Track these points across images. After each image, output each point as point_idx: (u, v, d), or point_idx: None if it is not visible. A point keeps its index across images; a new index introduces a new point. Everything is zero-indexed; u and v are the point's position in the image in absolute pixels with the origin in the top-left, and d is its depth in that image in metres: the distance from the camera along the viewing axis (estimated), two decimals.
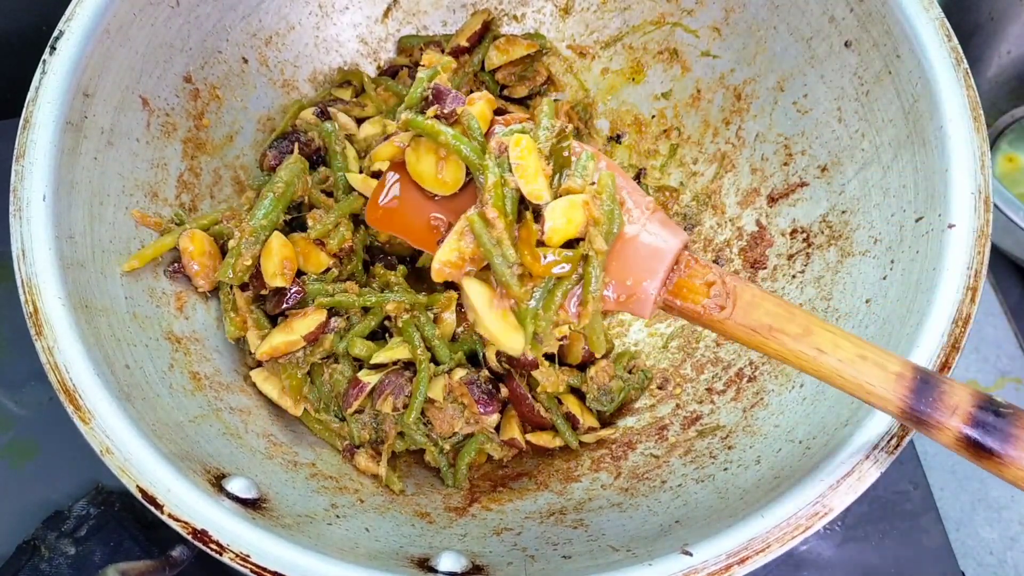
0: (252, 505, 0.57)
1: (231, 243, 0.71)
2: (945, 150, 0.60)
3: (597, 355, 0.79)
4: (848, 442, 0.55)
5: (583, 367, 0.80)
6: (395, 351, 0.73)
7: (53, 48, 0.63)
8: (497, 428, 0.76)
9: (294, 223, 0.77)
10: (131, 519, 0.76)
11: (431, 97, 0.56)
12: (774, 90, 0.79)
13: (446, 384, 0.72)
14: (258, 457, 0.65)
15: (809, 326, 0.50)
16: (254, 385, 0.74)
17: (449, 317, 0.75)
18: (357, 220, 0.79)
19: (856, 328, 0.65)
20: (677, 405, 0.77)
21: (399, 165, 0.59)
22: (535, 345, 0.53)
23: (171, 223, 0.73)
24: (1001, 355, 1.01)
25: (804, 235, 0.76)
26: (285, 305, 0.73)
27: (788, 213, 0.78)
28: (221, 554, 0.51)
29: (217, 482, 0.57)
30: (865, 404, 0.51)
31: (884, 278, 0.64)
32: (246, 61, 0.82)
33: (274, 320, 0.75)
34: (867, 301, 0.65)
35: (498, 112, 0.59)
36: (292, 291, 0.72)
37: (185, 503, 0.53)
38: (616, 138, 0.92)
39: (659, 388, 0.80)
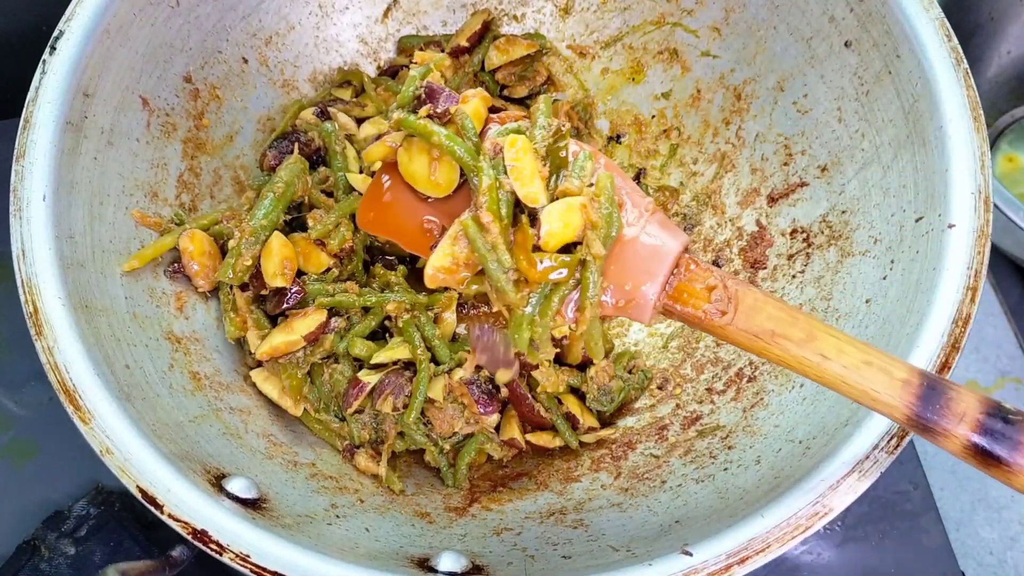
0: (252, 505, 0.57)
1: (231, 243, 0.71)
2: (945, 150, 0.60)
3: (596, 361, 0.78)
4: (848, 442, 0.55)
5: (583, 367, 0.80)
6: (395, 351, 0.73)
7: (53, 48, 0.63)
8: (497, 428, 0.76)
9: (294, 223, 0.77)
10: (131, 519, 0.76)
11: (424, 96, 0.54)
12: (774, 90, 0.79)
13: (446, 384, 0.72)
14: (258, 457, 0.65)
15: (812, 331, 0.48)
16: (254, 385, 0.74)
17: (449, 317, 0.75)
18: None
19: (856, 328, 0.65)
20: (677, 405, 0.77)
21: (391, 166, 0.58)
22: (532, 352, 0.52)
23: (171, 223, 0.73)
24: (1001, 355, 1.01)
25: (804, 235, 0.76)
26: (285, 305, 0.73)
27: (788, 213, 0.78)
28: (221, 554, 0.51)
29: (217, 482, 0.57)
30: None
31: (884, 278, 0.64)
32: (246, 61, 0.82)
33: (274, 320, 0.75)
34: (867, 301, 0.65)
35: (493, 110, 0.58)
36: (292, 291, 0.72)
37: (185, 503, 0.53)
38: (616, 138, 0.92)
39: (659, 388, 0.80)
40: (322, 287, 0.74)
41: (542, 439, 0.77)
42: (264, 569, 0.51)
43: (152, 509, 0.53)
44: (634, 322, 0.86)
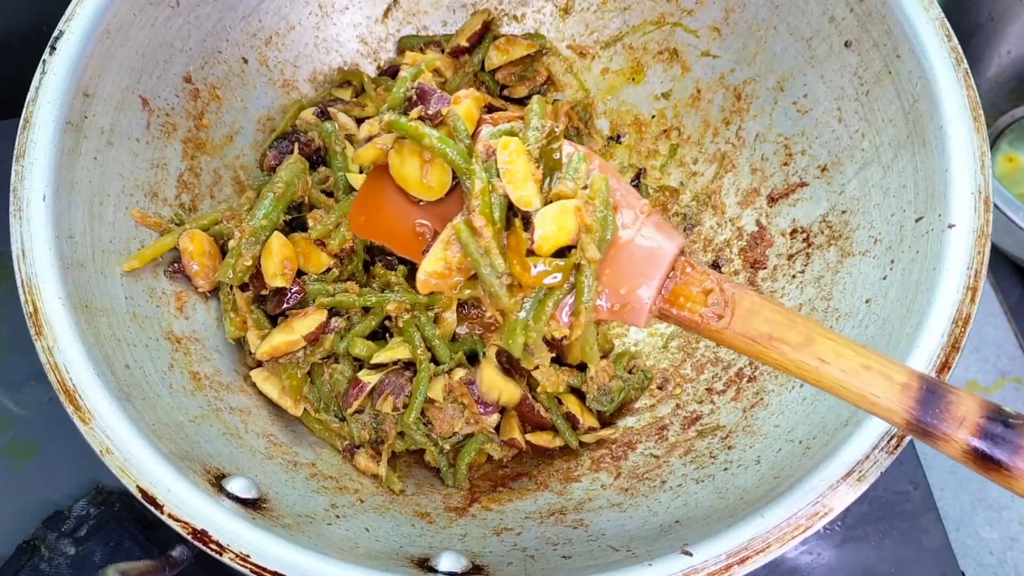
0: (252, 505, 0.57)
1: (231, 243, 0.71)
2: (945, 150, 0.60)
3: (591, 365, 0.77)
4: (848, 442, 0.55)
5: (583, 367, 0.80)
6: (395, 351, 0.73)
7: (53, 48, 0.63)
8: (497, 428, 0.76)
9: (294, 223, 0.77)
10: (131, 519, 0.76)
11: (415, 97, 0.54)
12: (774, 90, 0.79)
13: (446, 384, 0.72)
14: (258, 457, 0.65)
15: (810, 335, 0.48)
16: (254, 385, 0.74)
17: (449, 317, 0.75)
18: None
19: (856, 328, 0.65)
20: (677, 405, 0.77)
21: (382, 168, 0.56)
22: (526, 357, 0.51)
23: (171, 223, 0.73)
24: (1001, 355, 1.01)
25: (804, 235, 0.76)
26: (286, 305, 0.73)
27: (788, 213, 0.78)
28: (221, 554, 0.51)
29: (217, 482, 0.57)
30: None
31: (884, 278, 0.64)
32: (246, 61, 0.82)
33: (274, 320, 0.75)
34: (867, 301, 0.65)
35: (492, 109, 0.57)
36: (292, 291, 0.72)
37: (185, 503, 0.53)
38: (616, 138, 0.92)
39: (659, 388, 0.80)
40: (322, 287, 0.74)
41: (542, 439, 0.77)
42: (264, 569, 0.51)
43: (152, 509, 0.53)
44: None
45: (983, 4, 1.08)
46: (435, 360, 0.74)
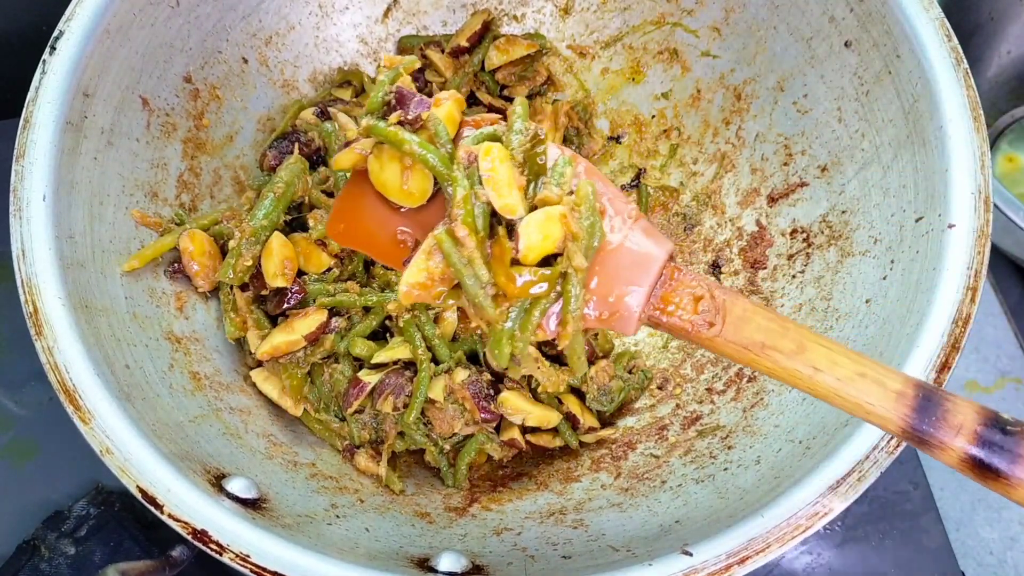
0: (252, 505, 0.57)
1: (231, 243, 0.71)
2: (945, 150, 0.60)
3: (577, 375, 0.75)
4: (848, 442, 0.55)
5: None
6: (396, 351, 0.73)
7: (53, 48, 0.63)
8: (497, 428, 0.76)
9: (294, 223, 0.77)
10: (131, 519, 0.76)
11: (394, 101, 0.52)
12: (774, 90, 0.79)
13: (446, 384, 0.72)
14: (258, 457, 0.65)
15: (804, 342, 0.47)
16: (254, 385, 0.74)
17: (450, 316, 0.75)
18: None
19: (856, 328, 0.65)
20: (677, 405, 0.77)
21: (361, 174, 0.54)
22: (513, 367, 0.50)
23: (171, 223, 0.73)
24: (1001, 355, 1.01)
25: (804, 235, 0.76)
26: (286, 305, 0.73)
27: (788, 213, 0.78)
28: (221, 554, 0.51)
29: (217, 482, 0.57)
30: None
31: (884, 278, 0.64)
32: (246, 61, 0.82)
33: (274, 320, 0.75)
34: (867, 301, 0.65)
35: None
36: (293, 291, 0.72)
37: (185, 503, 0.53)
38: (616, 138, 0.92)
39: (659, 388, 0.80)
40: (323, 287, 0.74)
41: (542, 439, 0.77)
42: (264, 569, 0.51)
43: (152, 509, 0.53)
44: None
45: (983, 4, 1.08)
46: (435, 360, 0.74)
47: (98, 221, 0.66)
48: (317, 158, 0.82)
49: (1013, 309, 1.04)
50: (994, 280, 1.05)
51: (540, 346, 0.75)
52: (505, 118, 0.92)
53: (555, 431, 0.77)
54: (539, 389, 0.75)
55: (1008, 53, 1.10)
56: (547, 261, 0.48)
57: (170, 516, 0.52)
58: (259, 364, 0.74)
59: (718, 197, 0.85)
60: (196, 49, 0.76)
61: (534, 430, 0.77)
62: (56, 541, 0.74)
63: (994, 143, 1.07)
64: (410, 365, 0.74)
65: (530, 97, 0.91)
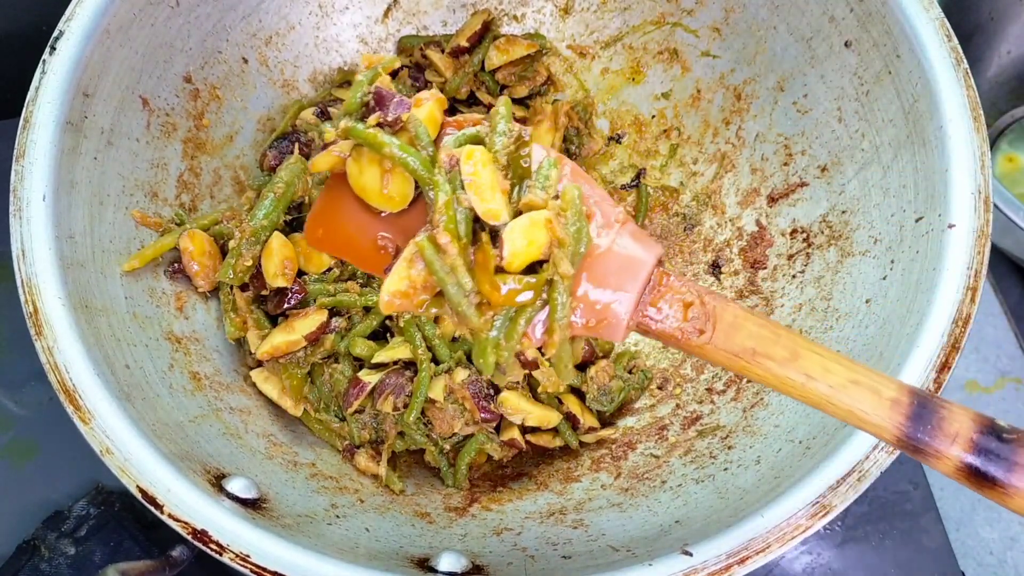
0: (252, 505, 0.57)
1: (231, 243, 0.71)
2: (945, 150, 0.60)
3: (563, 384, 0.74)
4: (848, 442, 0.55)
5: (583, 367, 0.80)
6: (396, 351, 0.73)
7: (53, 48, 0.63)
8: (497, 428, 0.76)
9: (295, 223, 0.77)
10: (131, 519, 0.76)
11: (372, 102, 0.50)
12: (774, 90, 0.79)
13: (446, 384, 0.72)
14: (258, 457, 0.65)
15: (796, 349, 0.46)
16: (254, 385, 0.74)
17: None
18: None
19: (856, 328, 0.65)
20: (677, 405, 0.77)
21: (340, 177, 0.52)
22: (498, 376, 0.49)
23: (171, 223, 0.73)
24: (1001, 355, 1.01)
25: (804, 235, 0.76)
26: (286, 305, 0.73)
27: (788, 213, 0.78)
28: (221, 554, 0.51)
29: (217, 482, 0.57)
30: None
31: (884, 278, 0.64)
32: (246, 61, 0.82)
33: (274, 320, 0.75)
34: (867, 301, 0.65)
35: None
36: (293, 291, 0.72)
37: (185, 503, 0.53)
38: (616, 138, 0.92)
39: (659, 388, 0.80)
40: (323, 287, 0.74)
41: (542, 439, 0.77)
42: (264, 569, 0.51)
43: (152, 509, 0.53)
44: None
45: (983, 4, 1.08)
46: (436, 360, 0.74)
47: (98, 221, 0.66)
48: None
49: (1013, 309, 1.04)
50: (994, 280, 1.05)
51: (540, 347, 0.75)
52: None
53: (555, 431, 0.77)
54: (539, 389, 0.75)
55: (1008, 53, 1.10)
56: (532, 267, 0.46)
57: (170, 516, 0.52)
58: (259, 364, 0.74)
59: (718, 197, 0.85)
60: (196, 49, 0.76)
61: (534, 430, 0.77)
62: (56, 541, 0.74)
63: (994, 143, 1.07)
64: (410, 365, 0.74)
65: (530, 97, 0.91)
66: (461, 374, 0.73)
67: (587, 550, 0.60)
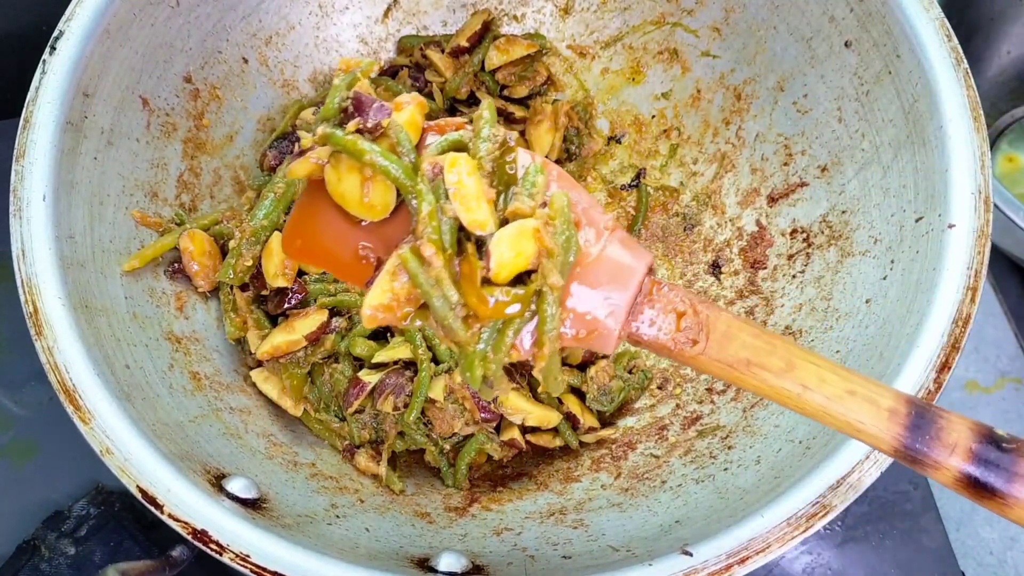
0: (252, 505, 0.57)
1: (232, 243, 0.71)
2: (945, 150, 0.60)
3: (553, 395, 0.74)
4: (848, 442, 0.55)
5: (583, 367, 0.80)
6: (396, 350, 0.73)
7: (53, 48, 0.63)
8: (497, 428, 0.76)
9: None
10: (131, 519, 0.76)
11: (351, 108, 0.48)
12: (774, 90, 0.79)
13: (447, 384, 0.72)
14: (258, 457, 0.65)
15: (791, 359, 0.45)
16: (254, 385, 0.74)
17: None
18: None
19: (856, 328, 0.65)
20: (677, 405, 0.77)
21: (318, 184, 0.50)
22: (485, 390, 0.47)
23: (171, 223, 0.73)
24: (1001, 355, 1.01)
25: (804, 235, 0.76)
26: (287, 305, 0.73)
27: (788, 213, 0.78)
28: (221, 554, 0.51)
29: (217, 482, 0.57)
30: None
31: (884, 278, 0.64)
32: (246, 61, 0.82)
33: (274, 320, 0.75)
34: (867, 301, 0.65)
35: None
36: (293, 291, 0.73)
37: (185, 503, 0.53)
38: (616, 138, 0.92)
39: (659, 388, 0.80)
40: (323, 287, 0.74)
41: (542, 439, 0.77)
42: (264, 569, 0.51)
43: (152, 509, 0.53)
44: None
45: (983, 4, 1.08)
46: (436, 360, 0.74)
47: (98, 221, 0.66)
48: None
49: (1013, 309, 1.04)
50: (994, 280, 1.05)
51: None
52: (511, 119, 0.91)
53: (555, 431, 0.77)
54: (539, 389, 0.75)
55: (1008, 53, 1.10)
56: (520, 277, 0.45)
57: (170, 516, 0.52)
58: (259, 364, 0.74)
59: (718, 197, 0.85)
60: (196, 49, 0.76)
61: (534, 430, 0.77)
62: (56, 541, 0.74)
63: (994, 143, 1.07)
64: (410, 365, 0.74)
65: (530, 97, 0.91)
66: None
67: (587, 550, 0.60)
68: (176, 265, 0.72)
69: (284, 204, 0.73)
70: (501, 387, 0.47)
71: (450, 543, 0.62)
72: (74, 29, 0.64)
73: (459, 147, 0.47)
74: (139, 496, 0.53)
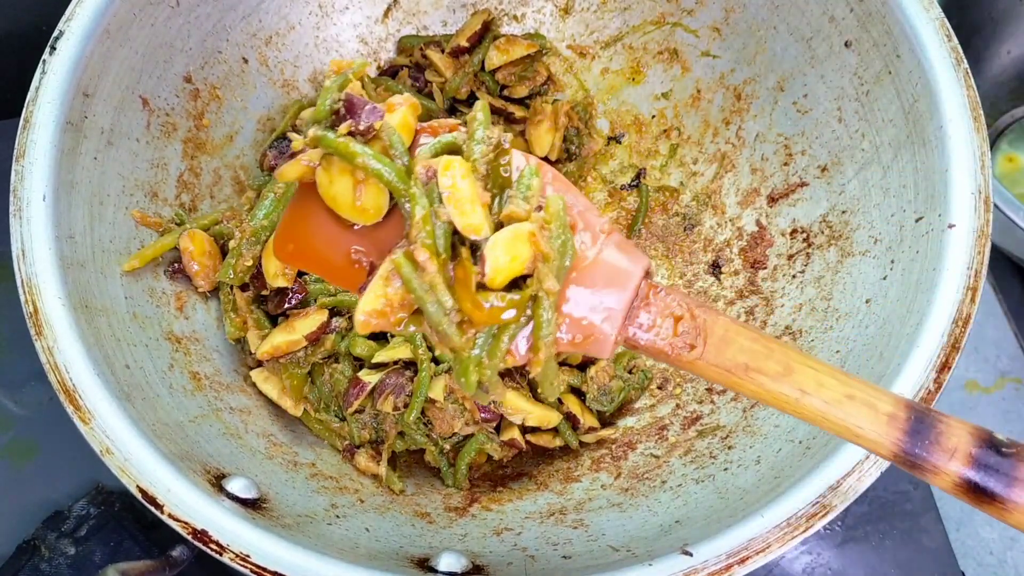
0: (252, 505, 0.57)
1: (232, 243, 0.71)
2: (945, 150, 0.60)
3: (548, 400, 0.73)
4: (848, 442, 0.54)
5: (583, 367, 0.80)
6: (396, 350, 0.73)
7: (53, 48, 0.63)
8: (497, 428, 0.76)
9: None
10: (131, 519, 0.76)
11: (343, 110, 0.47)
12: (774, 90, 0.79)
13: (447, 384, 0.72)
14: (258, 457, 0.65)
15: (789, 363, 0.44)
16: (254, 385, 0.74)
17: None
18: None
19: (856, 328, 0.65)
20: (677, 405, 0.77)
21: (309, 187, 0.49)
22: (481, 395, 0.47)
23: (171, 223, 0.73)
24: (1001, 355, 1.01)
25: (804, 235, 0.76)
26: (287, 305, 0.73)
27: (788, 213, 0.78)
28: (221, 554, 0.51)
29: (217, 482, 0.57)
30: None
31: (884, 278, 0.64)
32: (246, 61, 0.82)
33: (274, 320, 0.75)
34: (867, 301, 0.65)
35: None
36: (294, 291, 0.73)
37: (185, 503, 0.53)
38: (616, 138, 0.92)
39: (659, 388, 0.80)
40: (323, 287, 0.74)
41: (542, 439, 0.77)
42: (264, 569, 0.51)
43: (152, 509, 0.53)
44: None
45: (983, 4, 1.08)
46: (436, 360, 0.74)
47: (98, 221, 0.66)
48: None
49: (1013, 309, 1.04)
50: (994, 280, 1.05)
51: None
52: (511, 119, 0.91)
53: (555, 431, 0.77)
54: (539, 389, 0.75)
55: (1008, 53, 1.10)
56: (515, 282, 0.44)
57: (170, 516, 0.52)
58: (259, 364, 0.74)
59: (718, 197, 0.85)
60: (196, 49, 0.76)
61: (534, 430, 0.77)
62: (56, 541, 0.74)
63: (994, 143, 1.07)
64: (410, 365, 0.74)
65: (530, 97, 0.91)
66: None
67: (587, 550, 0.60)
68: (176, 265, 0.72)
69: (284, 204, 0.73)
70: (496, 392, 0.47)
71: (450, 543, 0.62)
72: (74, 29, 0.64)
73: (453, 149, 0.47)
74: (139, 496, 0.53)
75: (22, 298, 0.58)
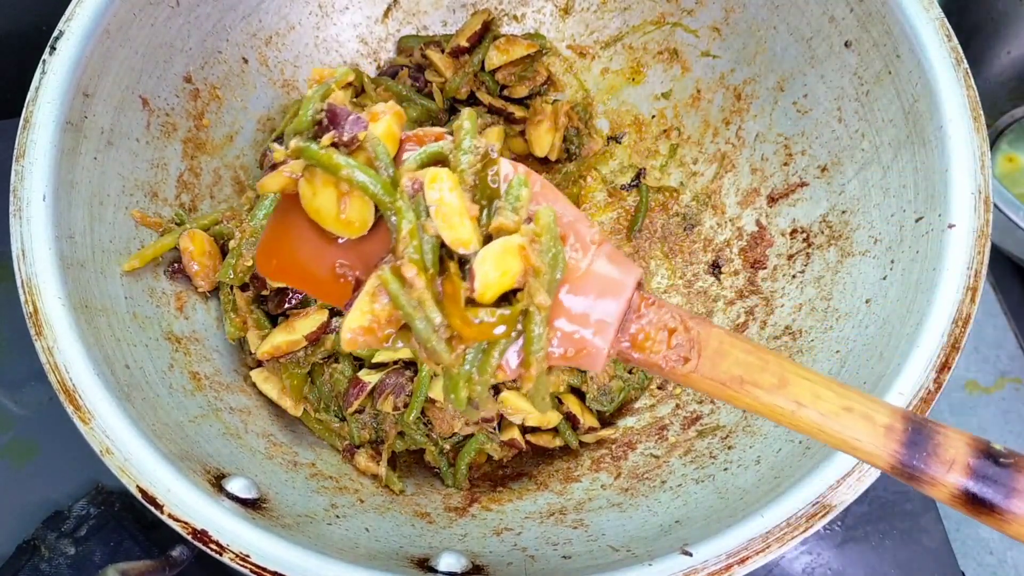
0: (252, 505, 0.57)
1: (232, 243, 0.71)
2: (945, 150, 0.60)
3: (541, 414, 0.73)
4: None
5: None
6: (396, 351, 0.73)
7: (53, 48, 0.63)
8: (497, 428, 0.76)
9: None
10: (131, 519, 0.76)
11: (325, 120, 0.45)
12: (774, 90, 0.79)
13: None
14: (258, 457, 0.65)
15: (785, 375, 0.44)
16: (254, 385, 0.74)
17: None
18: None
19: (856, 328, 0.65)
20: (677, 405, 0.77)
21: (292, 199, 0.47)
22: (471, 411, 0.46)
23: (171, 223, 0.73)
24: (1001, 355, 1.01)
25: (804, 235, 0.76)
26: (287, 305, 0.73)
27: (788, 213, 0.78)
28: (221, 554, 0.51)
29: (217, 482, 0.57)
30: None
31: (884, 278, 0.64)
32: (246, 61, 0.82)
33: (274, 320, 0.75)
34: (867, 301, 0.65)
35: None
36: (294, 291, 0.73)
37: (185, 503, 0.53)
38: (616, 138, 0.92)
39: (659, 388, 0.80)
40: None
41: (542, 439, 0.77)
42: (264, 569, 0.51)
43: (152, 509, 0.53)
44: None
45: (983, 4, 1.08)
46: None
47: (98, 221, 0.66)
48: None
49: (1013, 309, 1.04)
50: (994, 280, 1.05)
51: None
52: (511, 119, 0.91)
53: (555, 431, 0.77)
54: (531, 403, 0.75)
55: (1008, 53, 1.10)
56: (505, 296, 0.43)
57: (170, 516, 0.52)
58: (259, 364, 0.74)
59: (718, 197, 0.85)
60: (196, 49, 0.76)
61: (534, 430, 0.77)
62: (56, 541, 0.74)
63: (994, 143, 1.07)
64: (410, 365, 0.74)
65: (530, 97, 0.91)
66: None
67: (587, 550, 0.60)
68: (176, 265, 0.72)
69: None
70: (487, 408, 0.46)
71: (450, 543, 0.62)
72: (74, 29, 0.64)
73: (439, 159, 0.45)
74: (139, 496, 0.53)
75: (22, 298, 0.58)
